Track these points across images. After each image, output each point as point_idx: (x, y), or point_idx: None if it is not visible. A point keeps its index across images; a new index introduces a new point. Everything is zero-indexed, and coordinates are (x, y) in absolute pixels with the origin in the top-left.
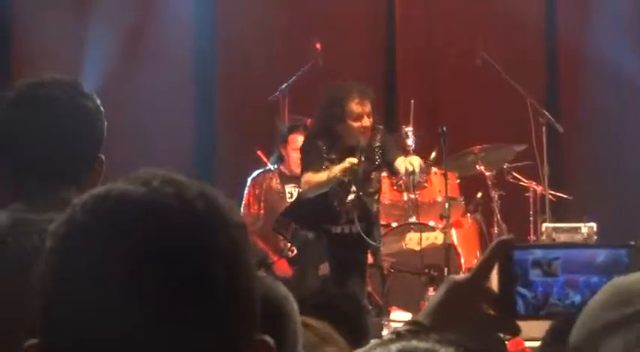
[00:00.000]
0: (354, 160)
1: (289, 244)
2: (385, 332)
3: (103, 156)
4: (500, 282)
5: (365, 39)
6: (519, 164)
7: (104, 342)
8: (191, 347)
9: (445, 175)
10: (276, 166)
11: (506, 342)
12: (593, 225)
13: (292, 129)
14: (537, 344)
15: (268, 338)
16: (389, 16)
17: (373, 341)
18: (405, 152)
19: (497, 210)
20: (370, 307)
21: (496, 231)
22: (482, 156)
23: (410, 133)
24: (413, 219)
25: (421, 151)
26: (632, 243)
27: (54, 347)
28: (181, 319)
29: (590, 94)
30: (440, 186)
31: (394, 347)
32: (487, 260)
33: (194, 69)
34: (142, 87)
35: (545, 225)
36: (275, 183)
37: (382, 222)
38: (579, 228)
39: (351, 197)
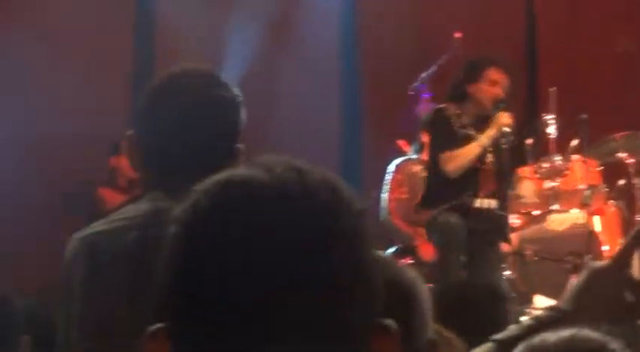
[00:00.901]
0: (506, 119)
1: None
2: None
3: (242, 146)
4: None
5: (505, 28)
6: None
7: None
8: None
9: (585, 163)
10: (417, 156)
11: None
12: None
13: None
14: None
15: (391, 323)
16: (528, 4)
17: (512, 327)
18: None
19: (639, 197)
20: (514, 295)
21: (639, 219)
22: (624, 143)
23: (551, 121)
24: (555, 207)
25: (562, 140)
26: None
27: (185, 332)
28: (305, 298)
29: None
30: (581, 173)
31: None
32: (628, 247)
33: (338, 62)
34: (285, 80)
35: None
36: (418, 169)
37: (523, 211)
38: None
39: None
